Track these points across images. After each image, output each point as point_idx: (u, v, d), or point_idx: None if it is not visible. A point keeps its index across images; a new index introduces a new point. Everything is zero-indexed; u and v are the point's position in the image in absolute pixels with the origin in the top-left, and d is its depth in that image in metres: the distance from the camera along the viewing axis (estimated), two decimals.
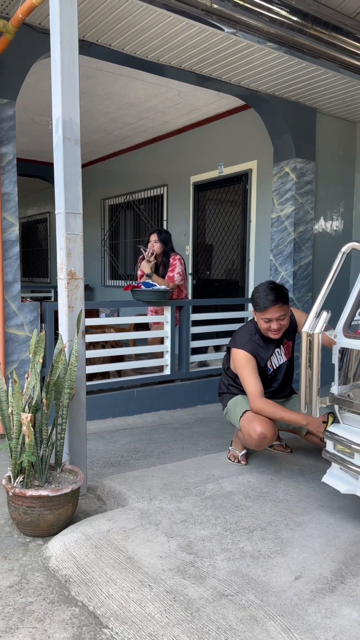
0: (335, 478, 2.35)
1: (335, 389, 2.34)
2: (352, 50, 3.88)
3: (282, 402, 3.16)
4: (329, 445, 2.38)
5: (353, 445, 2.22)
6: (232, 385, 3.13)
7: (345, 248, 2.33)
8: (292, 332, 3.12)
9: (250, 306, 5.25)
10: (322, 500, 2.56)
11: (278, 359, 3.07)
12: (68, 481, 2.42)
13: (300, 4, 3.47)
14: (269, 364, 3.04)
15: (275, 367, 3.07)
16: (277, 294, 2.87)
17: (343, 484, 2.29)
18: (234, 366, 3.03)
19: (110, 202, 8.34)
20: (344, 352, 2.32)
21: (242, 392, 3.05)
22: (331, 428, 2.38)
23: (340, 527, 2.31)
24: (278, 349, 3.07)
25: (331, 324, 2.27)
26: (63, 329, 2.65)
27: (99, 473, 3.07)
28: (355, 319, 2.32)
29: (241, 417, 2.89)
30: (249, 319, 4.99)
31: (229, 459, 3.11)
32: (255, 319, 3.00)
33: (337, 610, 1.76)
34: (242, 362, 2.93)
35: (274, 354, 3.05)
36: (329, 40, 3.75)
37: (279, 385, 3.11)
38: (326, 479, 2.38)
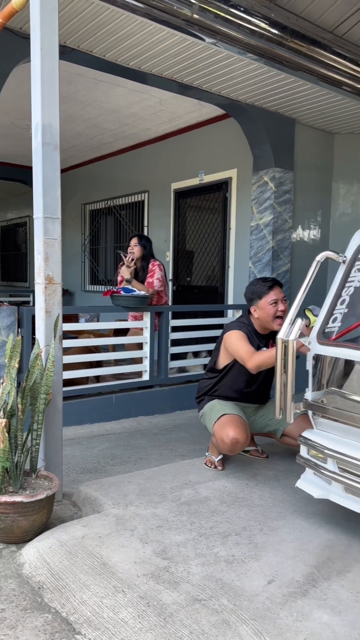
0: (309, 483, 2.38)
1: (309, 394, 2.38)
2: (330, 63, 3.97)
3: (258, 407, 3.19)
4: (303, 451, 2.42)
5: (326, 451, 2.25)
6: (211, 388, 3.13)
7: (320, 257, 2.38)
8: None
9: (230, 313, 5.32)
10: (297, 505, 2.59)
11: None
12: (43, 487, 2.41)
13: (279, 17, 3.54)
14: None
15: None
16: (272, 278, 3.07)
17: (316, 488, 2.33)
18: (225, 350, 3.03)
19: (91, 207, 8.33)
20: (317, 358, 2.36)
21: (220, 395, 3.08)
22: (305, 434, 2.41)
23: (313, 532, 2.34)
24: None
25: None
26: (40, 334, 2.64)
27: (75, 479, 3.06)
28: (328, 326, 2.36)
29: (215, 422, 2.92)
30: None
31: (205, 464, 3.12)
32: (257, 313, 3.02)
33: (309, 613, 1.78)
34: (237, 337, 2.96)
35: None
36: (307, 53, 3.83)
37: (257, 387, 3.11)
38: (300, 484, 2.41)
